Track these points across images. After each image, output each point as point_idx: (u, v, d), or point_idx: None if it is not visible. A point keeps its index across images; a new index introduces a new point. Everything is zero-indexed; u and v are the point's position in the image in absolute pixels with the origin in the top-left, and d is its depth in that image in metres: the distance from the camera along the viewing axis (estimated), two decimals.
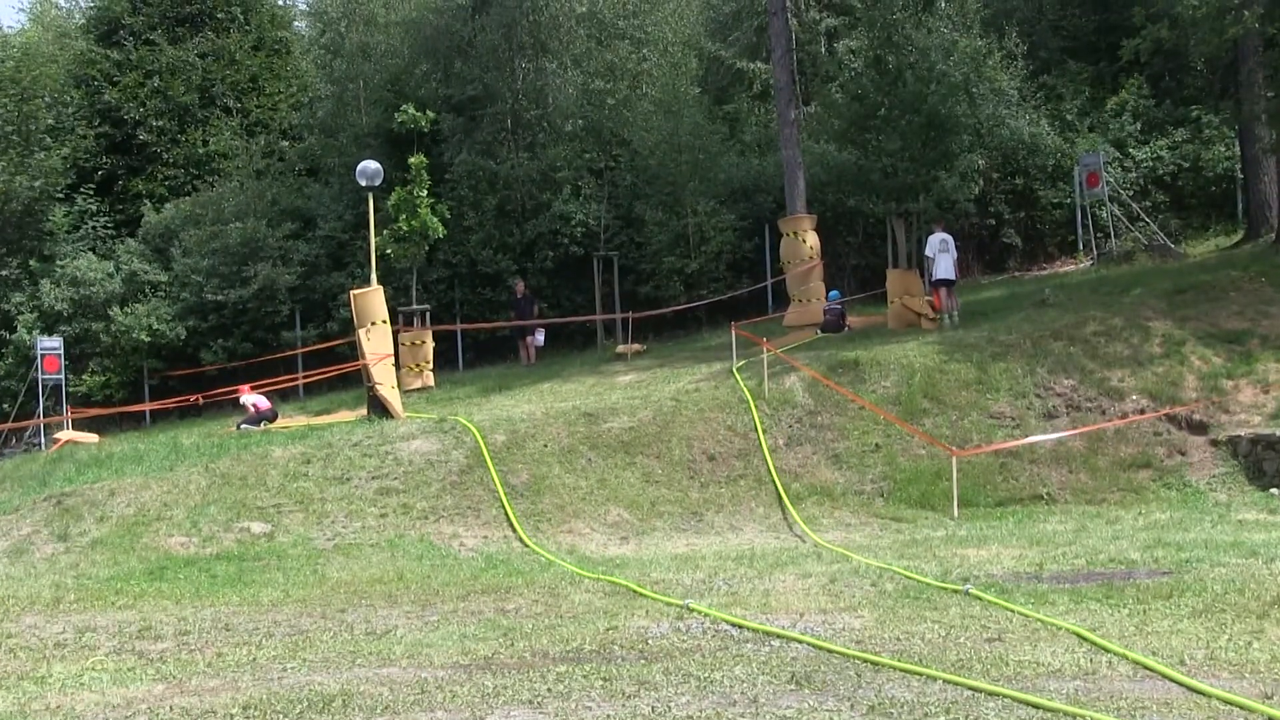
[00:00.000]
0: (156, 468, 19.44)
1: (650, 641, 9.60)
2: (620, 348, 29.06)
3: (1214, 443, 18.40)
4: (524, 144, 36.00)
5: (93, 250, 36.09)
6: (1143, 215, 31.37)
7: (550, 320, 32.69)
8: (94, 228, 37.09)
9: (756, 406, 20.12)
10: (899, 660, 8.45)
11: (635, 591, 12.04)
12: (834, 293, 28.38)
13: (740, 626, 9.98)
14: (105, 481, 18.66)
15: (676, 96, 33.23)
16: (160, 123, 39.21)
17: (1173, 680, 7.60)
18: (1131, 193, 32.30)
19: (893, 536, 15.96)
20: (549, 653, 9.32)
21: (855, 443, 19.41)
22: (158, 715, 7.86)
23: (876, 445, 19.24)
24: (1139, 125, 33.98)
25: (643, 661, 8.88)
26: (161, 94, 39.37)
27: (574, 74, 36.47)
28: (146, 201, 37.79)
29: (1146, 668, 7.94)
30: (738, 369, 22.42)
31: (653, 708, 7.51)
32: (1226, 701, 7.07)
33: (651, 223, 32.72)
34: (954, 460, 17.77)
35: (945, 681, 7.80)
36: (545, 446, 19.05)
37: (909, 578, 12.06)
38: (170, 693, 8.55)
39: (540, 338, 31.25)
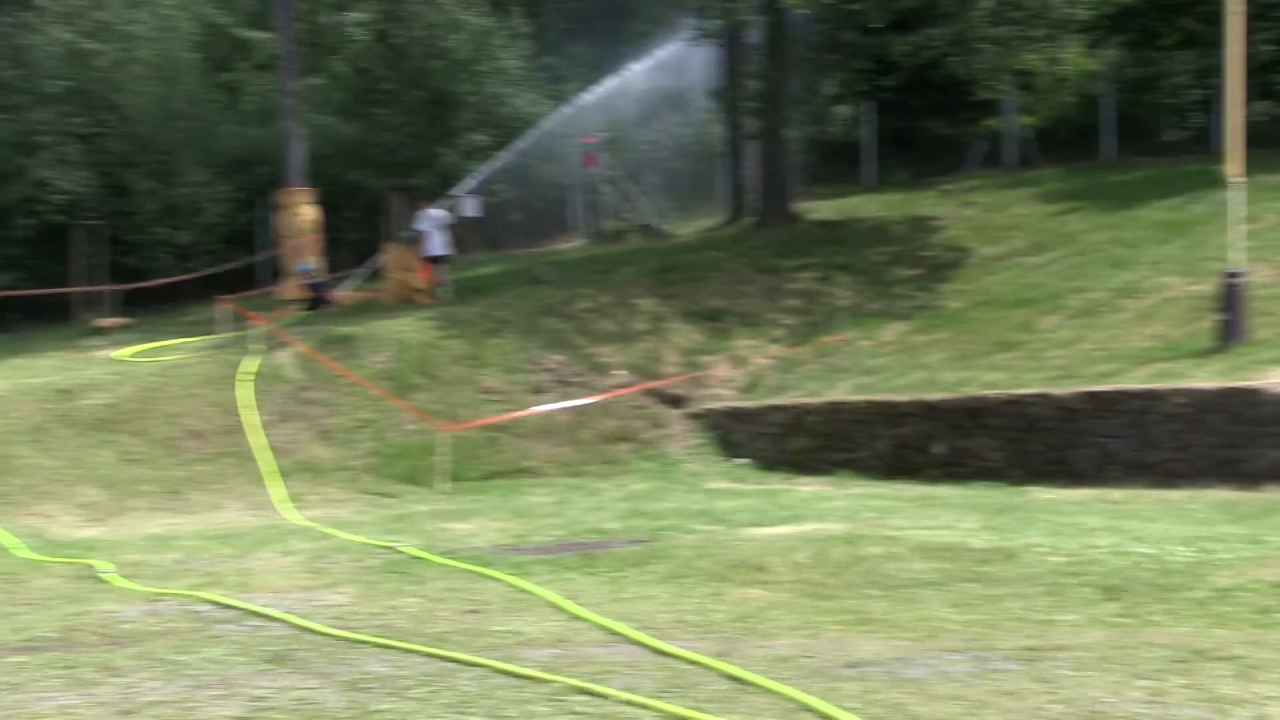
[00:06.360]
0: None
1: (119, 626, 9.07)
2: (101, 321, 27.59)
3: (690, 415, 19.35)
4: (2, 105, 33.46)
5: None
6: (634, 196, 32.46)
7: (26, 292, 30.70)
8: None
9: (246, 382, 19.54)
10: (379, 636, 8.35)
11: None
12: (303, 265, 27.72)
13: (220, 606, 9.61)
14: None
15: (172, 61, 31.91)
16: None
17: (639, 644, 7.86)
18: (627, 173, 33.38)
19: (379, 512, 15.88)
20: (5, 644, 8.64)
21: (346, 419, 19.18)
22: None
23: (367, 421, 19.09)
24: (637, 107, 35.21)
25: (109, 648, 8.37)
26: None
27: (61, 32, 34.17)
28: None
29: (616, 633, 8.18)
30: (228, 343, 21.70)
31: (119, 695, 7.07)
32: (689, 660, 7.36)
33: (141, 191, 31.25)
34: (442, 435, 17.86)
35: (423, 654, 7.76)
36: (12, 425, 17.83)
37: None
38: None
39: None
